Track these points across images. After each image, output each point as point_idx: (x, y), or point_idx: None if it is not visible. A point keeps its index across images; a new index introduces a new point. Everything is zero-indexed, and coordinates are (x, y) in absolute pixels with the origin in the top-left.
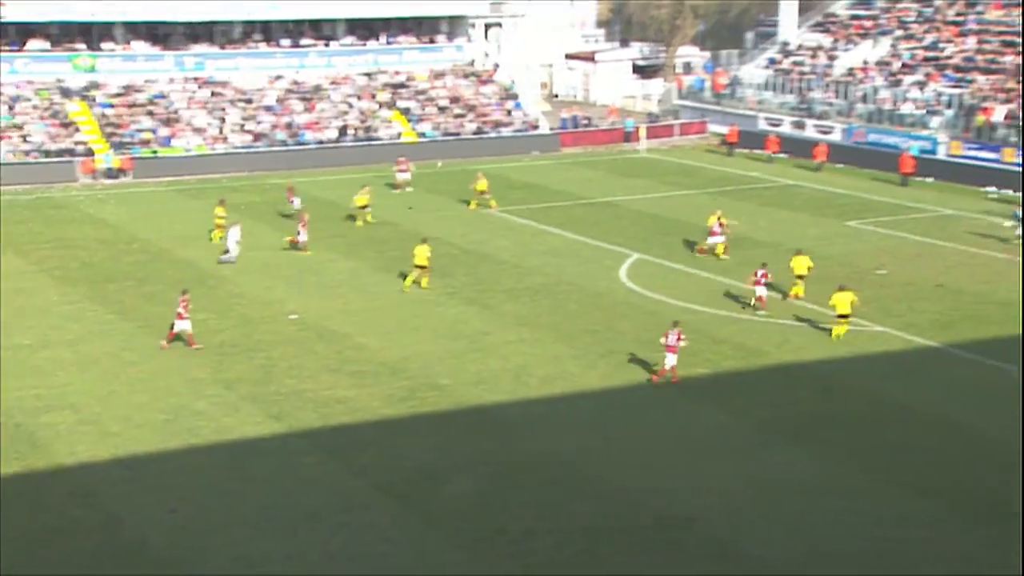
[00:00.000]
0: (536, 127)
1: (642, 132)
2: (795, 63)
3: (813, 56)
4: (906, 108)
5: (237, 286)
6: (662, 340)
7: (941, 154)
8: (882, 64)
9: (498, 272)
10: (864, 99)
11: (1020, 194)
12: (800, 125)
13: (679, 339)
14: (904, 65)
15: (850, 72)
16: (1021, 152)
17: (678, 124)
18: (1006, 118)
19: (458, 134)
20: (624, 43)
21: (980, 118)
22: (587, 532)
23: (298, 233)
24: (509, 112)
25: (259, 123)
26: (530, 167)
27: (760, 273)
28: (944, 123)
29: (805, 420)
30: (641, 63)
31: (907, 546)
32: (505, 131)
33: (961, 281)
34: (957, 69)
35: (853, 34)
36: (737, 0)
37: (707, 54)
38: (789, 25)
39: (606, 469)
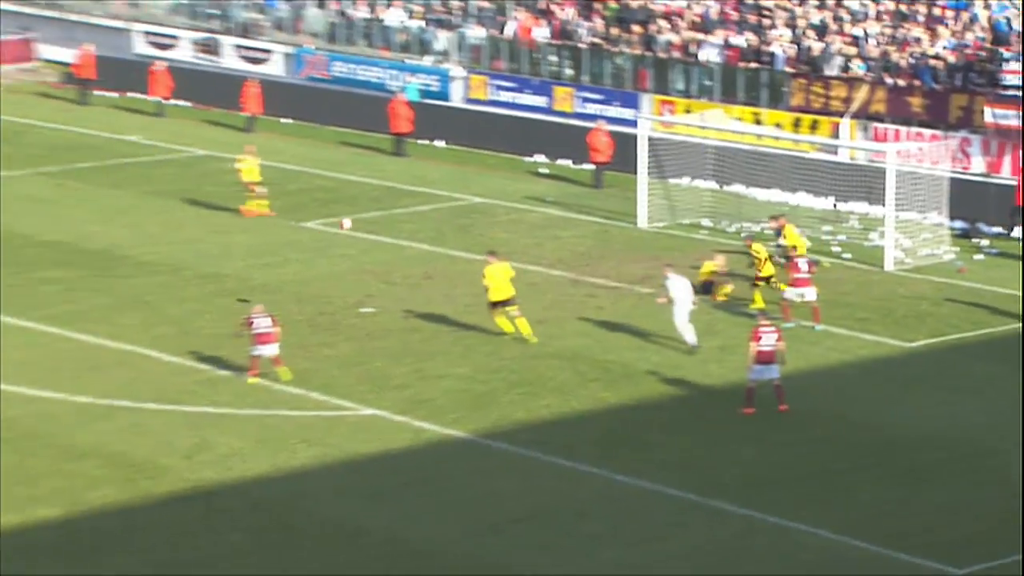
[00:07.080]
0: None
1: None
2: None
3: None
4: (393, 18)
5: None
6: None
7: (456, 99)
8: None
9: None
10: (324, 2)
11: (589, 168)
12: (212, 47)
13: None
14: None
15: None
16: (574, 91)
17: None
18: (555, 36)
19: None
20: None
21: (511, 28)
22: None
23: None
24: None
25: None
26: None
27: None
28: (458, 45)
29: None
30: None
31: None
32: None
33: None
34: None
35: None
36: None
37: None
38: None
39: None
